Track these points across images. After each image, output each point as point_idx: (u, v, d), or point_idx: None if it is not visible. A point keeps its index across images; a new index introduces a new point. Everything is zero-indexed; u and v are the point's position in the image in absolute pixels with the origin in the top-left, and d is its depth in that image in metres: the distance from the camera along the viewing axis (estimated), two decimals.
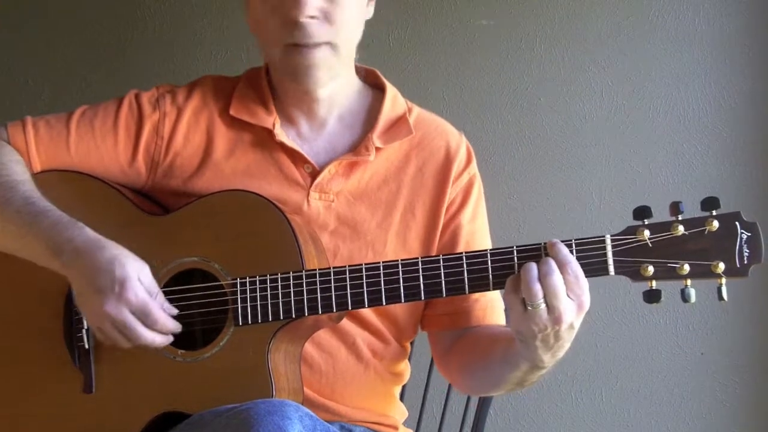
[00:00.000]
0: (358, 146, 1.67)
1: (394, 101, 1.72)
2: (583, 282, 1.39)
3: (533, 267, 1.39)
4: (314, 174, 1.65)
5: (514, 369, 1.52)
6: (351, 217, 1.66)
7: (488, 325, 1.68)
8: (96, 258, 1.46)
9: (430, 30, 2.38)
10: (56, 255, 1.49)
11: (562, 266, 1.38)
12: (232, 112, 1.68)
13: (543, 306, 1.38)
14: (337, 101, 1.69)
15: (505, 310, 1.71)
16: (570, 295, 1.38)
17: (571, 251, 1.41)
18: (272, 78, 1.71)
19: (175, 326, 1.49)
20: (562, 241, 1.41)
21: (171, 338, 1.50)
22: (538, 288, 1.38)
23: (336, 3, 1.58)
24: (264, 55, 1.70)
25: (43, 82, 2.45)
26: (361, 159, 1.66)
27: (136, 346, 1.48)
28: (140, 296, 1.45)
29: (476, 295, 1.67)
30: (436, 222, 1.68)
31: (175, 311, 1.50)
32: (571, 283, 1.38)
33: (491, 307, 1.69)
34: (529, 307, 1.38)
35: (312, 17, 1.56)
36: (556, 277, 1.38)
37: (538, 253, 1.42)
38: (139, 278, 1.47)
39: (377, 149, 1.67)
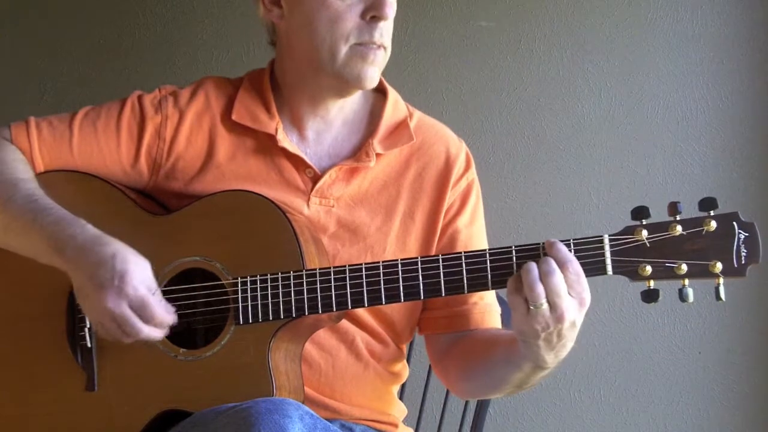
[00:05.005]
0: (359, 152, 1.67)
1: (395, 106, 1.73)
2: (584, 279, 1.40)
3: (534, 267, 1.39)
4: (315, 178, 1.65)
5: (516, 370, 1.53)
6: (351, 220, 1.66)
7: (487, 328, 1.69)
8: (97, 253, 1.47)
9: (430, 30, 2.38)
10: (58, 251, 1.49)
11: (562, 265, 1.39)
12: (234, 117, 1.67)
13: (545, 306, 1.38)
14: (346, 104, 1.70)
15: (502, 314, 1.72)
16: (571, 293, 1.39)
17: (570, 251, 1.41)
18: (283, 77, 1.70)
19: (173, 319, 1.49)
20: (561, 241, 1.42)
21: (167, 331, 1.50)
22: (540, 289, 1.38)
23: (395, 8, 1.62)
24: (296, 52, 1.65)
25: (44, 82, 2.45)
26: (362, 165, 1.66)
27: (136, 341, 1.48)
28: (139, 291, 1.45)
29: (474, 299, 1.68)
30: (435, 226, 1.69)
31: (173, 310, 1.50)
32: (573, 281, 1.39)
33: (489, 311, 1.70)
34: (531, 307, 1.39)
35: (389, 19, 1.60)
36: (558, 277, 1.38)
37: (536, 252, 1.43)
38: (139, 274, 1.47)
39: (378, 155, 1.67)
